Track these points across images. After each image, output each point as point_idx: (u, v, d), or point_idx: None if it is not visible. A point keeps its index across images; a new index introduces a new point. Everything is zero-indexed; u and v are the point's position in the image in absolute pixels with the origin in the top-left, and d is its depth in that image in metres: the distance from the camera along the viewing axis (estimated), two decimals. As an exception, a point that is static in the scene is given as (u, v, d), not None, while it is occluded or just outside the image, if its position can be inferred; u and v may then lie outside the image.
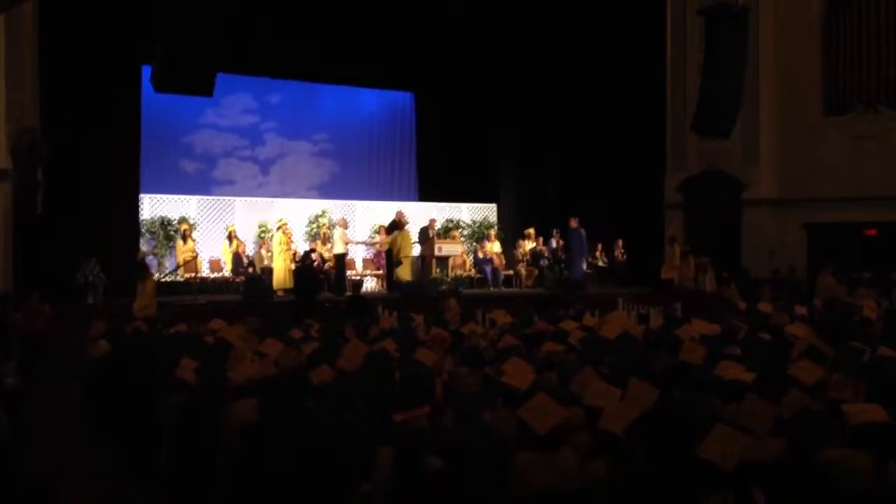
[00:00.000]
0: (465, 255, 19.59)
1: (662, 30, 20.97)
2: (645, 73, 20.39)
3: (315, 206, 19.43)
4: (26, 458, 6.82)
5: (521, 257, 19.28)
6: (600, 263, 19.98)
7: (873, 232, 19.35)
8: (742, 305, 13.62)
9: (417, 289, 16.04)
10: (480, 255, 19.23)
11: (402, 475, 4.39)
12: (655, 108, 20.91)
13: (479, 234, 20.59)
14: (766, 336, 8.69)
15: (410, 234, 17.28)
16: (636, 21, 20.04)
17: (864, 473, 4.37)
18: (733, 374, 5.97)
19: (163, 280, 16.53)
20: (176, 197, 17.98)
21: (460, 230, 20.37)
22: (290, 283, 15.70)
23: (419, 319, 11.25)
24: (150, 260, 17.18)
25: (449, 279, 16.87)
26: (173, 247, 17.03)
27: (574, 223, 18.42)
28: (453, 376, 6.40)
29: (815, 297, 14.76)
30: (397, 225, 17.04)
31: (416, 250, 17.62)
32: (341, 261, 16.95)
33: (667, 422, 4.90)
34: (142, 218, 17.03)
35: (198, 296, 15.64)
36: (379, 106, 21.66)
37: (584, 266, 18.44)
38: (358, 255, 19.12)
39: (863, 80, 19.54)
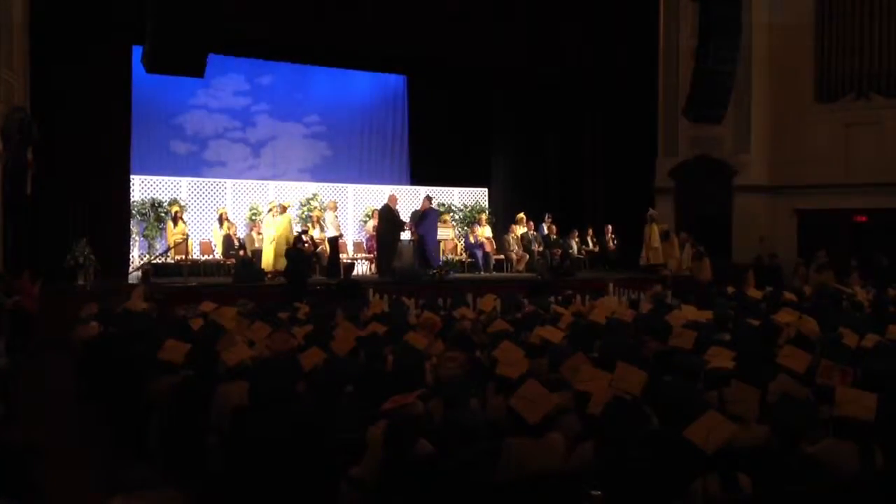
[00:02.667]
0: (456, 240, 19.59)
1: (656, 15, 20.95)
2: (638, 58, 20.37)
3: (306, 188, 19.40)
4: (17, 435, 6.83)
5: (512, 242, 19.28)
6: (592, 248, 20.01)
7: (863, 219, 19.44)
8: (730, 289, 13.72)
9: (409, 273, 16.05)
10: (471, 239, 19.24)
11: (392, 459, 4.41)
12: (648, 94, 20.91)
13: (470, 219, 20.58)
14: (755, 322, 8.75)
15: (289, 220, 16.83)
16: (630, 5, 20.01)
17: (849, 461, 4.41)
18: (720, 361, 6.01)
19: (153, 262, 16.53)
20: (167, 178, 17.90)
21: (451, 214, 20.36)
22: (281, 266, 15.70)
23: (410, 303, 11.28)
24: (141, 242, 17.15)
25: (441, 263, 16.87)
26: (164, 228, 16.98)
27: (427, 203, 17.74)
28: (439, 360, 6.44)
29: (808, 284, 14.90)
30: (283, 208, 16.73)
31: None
32: (333, 244, 16.94)
33: (654, 406, 4.95)
34: (132, 199, 16.95)
35: (188, 278, 15.62)
36: (371, 89, 21.57)
37: (440, 252, 17.55)
38: (349, 238, 19.10)
39: (854, 67, 19.57)
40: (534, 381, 4.94)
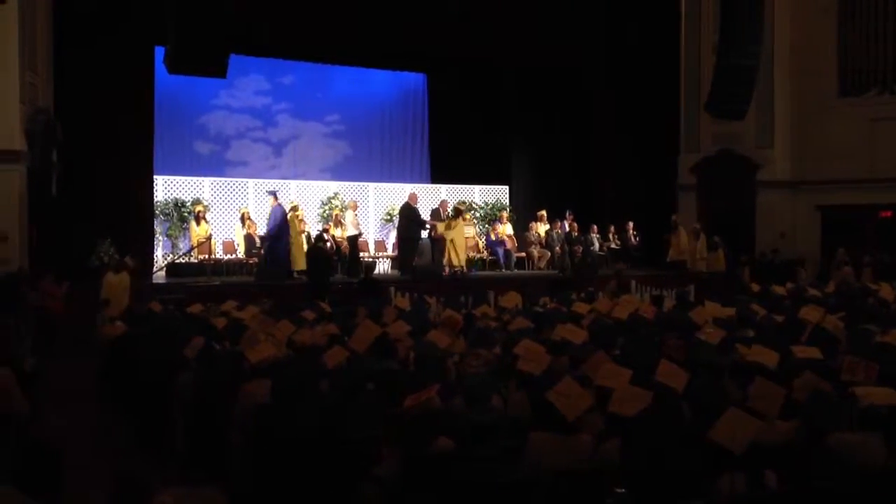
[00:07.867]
0: (477, 238, 19.56)
1: (677, 10, 20.83)
2: (659, 53, 20.27)
3: (327, 188, 19.42)
4: (41, 435, 6.89)
5: (533, 239, 19.23)
6: (613, 245, 19.93)
7: (888, 214, 19.25)
8: (751, 284, 13.71)
9: (430, 271, 16.04)
10: (493, 237, 19.20)
11: (411, 457, 4.40)
12: (670, 89, 20.79)
13: (491, 216, 20.55)
14: (779, 318, 8.69)
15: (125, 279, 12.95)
16: (650, 1, 19.91)
17: (876, 455, 4.37)
18: (751, 357, 5.97)
19: (176, 261, 16.63)
20: (189, 178, 17.99)
21: (472, 212, 20.33)
22: (303, 265, 15.72)
23: (432, 301, 11.26)
24: (165, 242, 17.26)
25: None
26: (187, 228, 17.08)
27: (274, 200, 15.55)
28: (462, 358, 6.43)
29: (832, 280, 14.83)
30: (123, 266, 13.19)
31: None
32: (353, 242, 16.95)
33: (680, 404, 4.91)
34: (156, 199, 17.07)
35: (211, 277, 15.71)
36: (391, 87, 21.58)
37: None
38: (370, 237, 19.13)
39: (878, 61, 19.38)
40: (570, 380, 4.89)
